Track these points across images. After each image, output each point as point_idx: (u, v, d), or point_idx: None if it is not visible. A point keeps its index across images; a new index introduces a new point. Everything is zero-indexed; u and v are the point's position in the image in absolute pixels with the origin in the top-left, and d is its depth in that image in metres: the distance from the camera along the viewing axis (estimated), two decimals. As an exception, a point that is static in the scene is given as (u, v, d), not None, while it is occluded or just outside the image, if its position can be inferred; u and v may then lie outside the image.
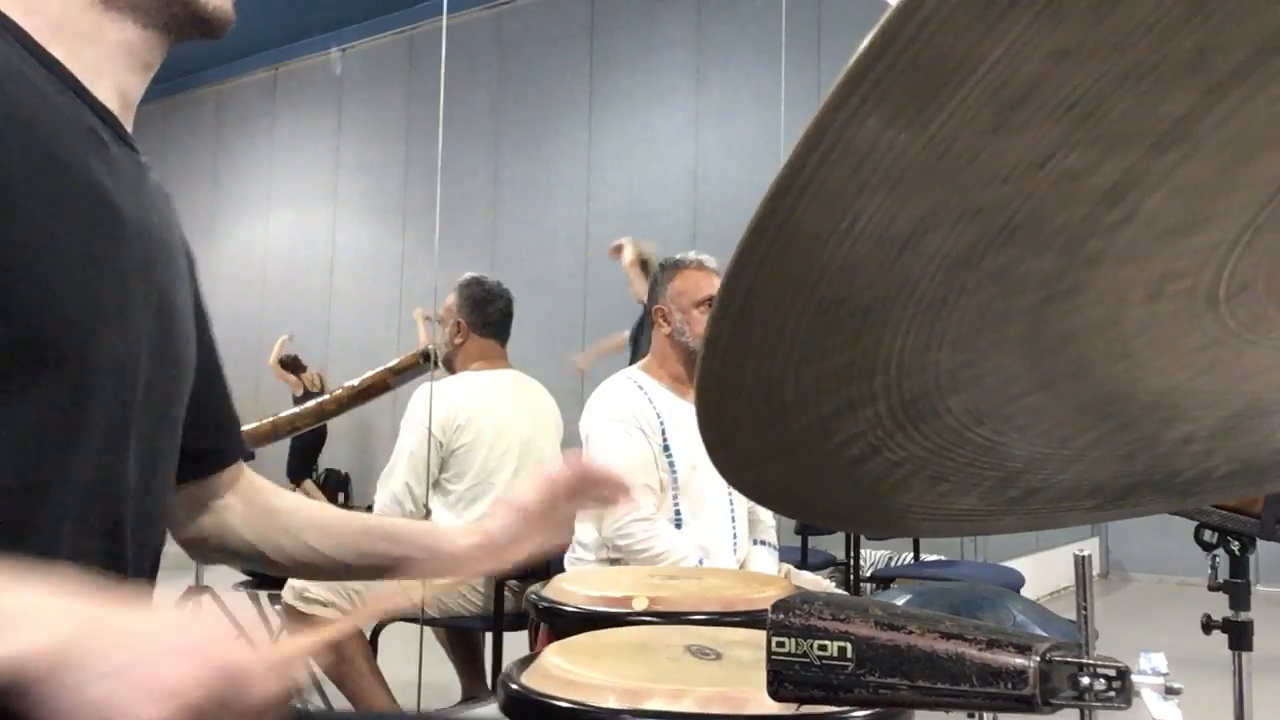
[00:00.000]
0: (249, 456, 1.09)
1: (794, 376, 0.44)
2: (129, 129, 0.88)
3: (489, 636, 2.73)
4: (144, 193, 0.87)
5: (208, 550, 1.07)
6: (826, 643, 0.55)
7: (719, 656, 0.92)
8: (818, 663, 0.55)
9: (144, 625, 0.62)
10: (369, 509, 3.29)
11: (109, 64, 0.84)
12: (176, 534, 1.04)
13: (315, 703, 2.55)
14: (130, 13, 0.84)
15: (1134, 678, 0.50)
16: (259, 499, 1.07)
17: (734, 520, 2.37)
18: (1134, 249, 0.43)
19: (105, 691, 0.57)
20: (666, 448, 2.30)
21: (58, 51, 0.80)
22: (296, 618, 2.68)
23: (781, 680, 0.56)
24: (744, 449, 0.52)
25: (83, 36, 0.82)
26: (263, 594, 2.94)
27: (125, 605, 0.63)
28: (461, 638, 2.99)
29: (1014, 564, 4.18)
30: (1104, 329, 0.50)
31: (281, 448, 8.60)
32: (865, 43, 0.29)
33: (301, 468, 9.91)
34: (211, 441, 1.02)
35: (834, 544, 3.98)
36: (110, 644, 0.59)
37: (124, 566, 0.82)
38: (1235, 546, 1.51)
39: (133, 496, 0.83)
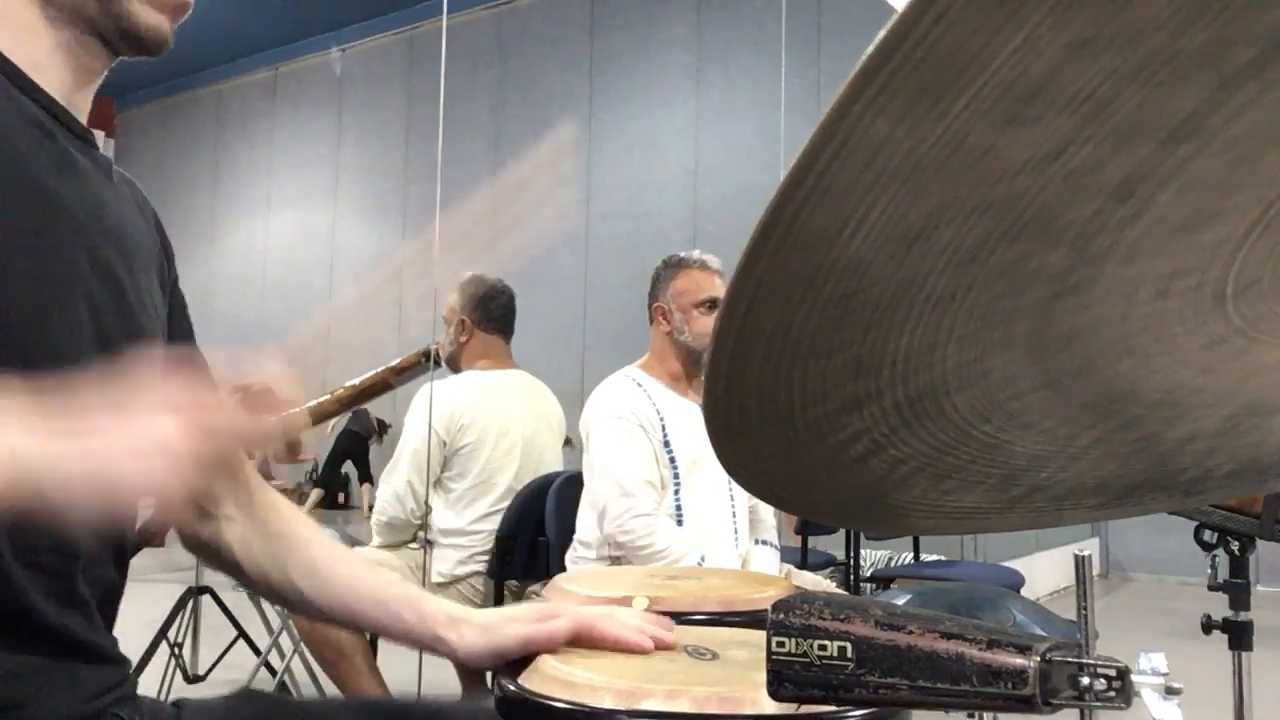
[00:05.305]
0: None
1: (800, 372, 0.44)
2: (82, 120, 0.87)
3: (489, 636, 2.72)
4: (96, 184, 0.86)
5: (208, 559, 1.03)
6: (826, 643, 0.54)
7: (715, 656, 0.92)
8: (818, 663, 0.55)
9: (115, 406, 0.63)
10: (370, 509, 3.29)
11: (50, 60, 0.83)
12: (181, 535, 1.02)
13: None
14: (68, 14, 0.83)
15: (1134, 678, 0.50)
16: (269, 518, 1.01)
17: (735, 517, 2.37)
18: (1142, 245, 0.43)
19: (108, 460, 0.60)
20: (667, 444, 2.30)
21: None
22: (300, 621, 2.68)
23: (781, 680, 0.56)
24: (750, 445, 0.52)
25: (24, 28, 0.82)
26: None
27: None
28: (461, 637, 2.99)
29: (1014, 564, 4.18)
30: (1110, 326, 0.50)
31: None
32: (880, 36, 0.29)
33: (329, 474, 9.84)
34: None
35: (834, 544, 3.98)
36: (95, 422, 0.61)
37: (76, 558, 0.81)
38: (1235, 546, 1.51)
39: None
